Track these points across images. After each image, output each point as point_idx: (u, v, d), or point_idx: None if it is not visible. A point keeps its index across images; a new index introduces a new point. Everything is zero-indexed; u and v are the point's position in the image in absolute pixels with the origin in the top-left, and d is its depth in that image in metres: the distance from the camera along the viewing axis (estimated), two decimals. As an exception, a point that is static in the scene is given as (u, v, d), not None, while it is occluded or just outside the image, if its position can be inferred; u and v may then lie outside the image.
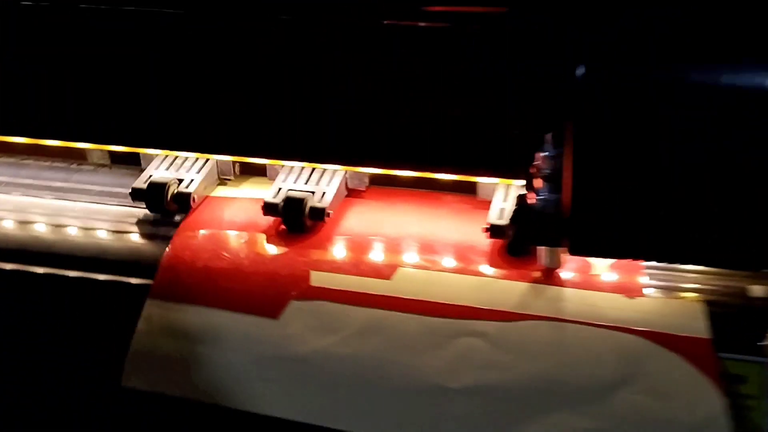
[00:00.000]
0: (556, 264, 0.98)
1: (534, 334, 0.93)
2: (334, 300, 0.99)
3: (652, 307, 0.94)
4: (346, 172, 1.13)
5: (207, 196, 1.15)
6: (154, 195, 1.11)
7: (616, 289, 0.96)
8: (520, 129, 0.96)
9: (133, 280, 1.06)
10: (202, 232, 1.09)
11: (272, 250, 1.06)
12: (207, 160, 1.17)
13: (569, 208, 0.86)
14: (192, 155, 1.16)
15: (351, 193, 1.15)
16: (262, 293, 1.01)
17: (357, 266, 1.02)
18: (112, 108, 1.11)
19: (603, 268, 0.99)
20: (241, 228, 1.09)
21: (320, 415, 0.95)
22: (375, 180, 1.15)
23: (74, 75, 1.09)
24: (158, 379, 0.99)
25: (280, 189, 1.10)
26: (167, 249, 1.06)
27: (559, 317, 0.94)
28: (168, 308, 1.01)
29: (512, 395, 0.91)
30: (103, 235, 1.12)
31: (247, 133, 1.09)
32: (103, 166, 1.25)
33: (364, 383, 0.95)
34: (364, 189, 1.14)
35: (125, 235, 1.12)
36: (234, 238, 1.08)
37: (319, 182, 1.11)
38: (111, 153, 1.23)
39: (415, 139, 1.04)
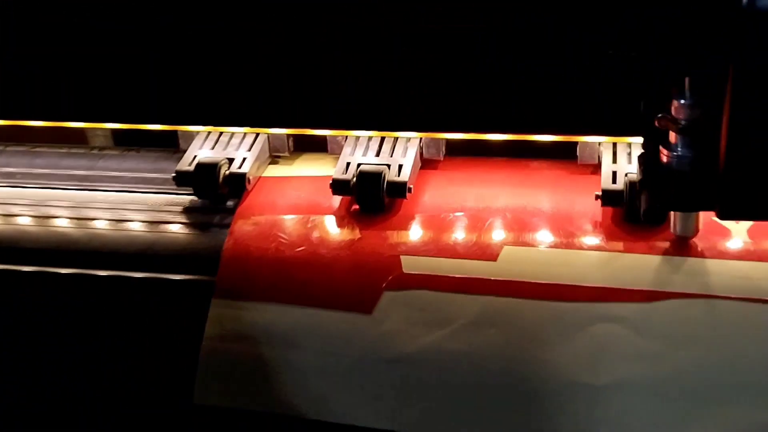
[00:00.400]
0: (691, 232, 0.84)
1: (683, 315, 0.79)
2: (435, 288, 0.85)
3: None
4: (421, 140, 0.98)
5: (260, 177, 1.00)
6: (203, 178, 0.96)
7: None
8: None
9: (188, 277, 0.91)
10: (263, 217, 0.94)
11: (350, 234, 0.91)
12: (257, 135, 1.01)
13: (722, 164, 0.73)
14: (240, 131, 1.01)
15: (426, 164, 1.00)
16: (349, 285, 0.86)
17: (454, 247, 0.88)
18: (144, 82, 0.95)
19: (741, 232, 0.85)
20: (307, 210, 0.94)
21: (431, 425, 0.82)
22: (451, 148, 1.01)
23: (96, 47, 0.94)
24: (236, 392, 0.85)
25: (348, 164, 0.96)
26: (227, 239, 0.91)
27: (710, 293, 0.80)
28: (239, 308, 0.87)
29: (671, 390, 0.77)
30: (145, 228, 0.96)
31: (308, 101, 0.94)
32: (130, 150, 1.09)
33: (485, 384, 0.81)
34: (441, 159, 1.00)
35: (171, 225, 0.96)
36: (302, 223, 0.93)
37: (392, 154, 0.97)
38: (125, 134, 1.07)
39: (504, 95, 0.90)
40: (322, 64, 0.91)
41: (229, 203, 0.97)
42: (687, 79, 0.76)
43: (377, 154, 0.97)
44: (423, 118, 0.94)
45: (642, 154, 0.83)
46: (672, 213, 0.84)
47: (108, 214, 0.99)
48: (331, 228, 0.92)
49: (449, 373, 0.82)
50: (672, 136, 0.78)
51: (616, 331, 0.80)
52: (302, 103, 0.95)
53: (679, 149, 0.78)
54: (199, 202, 0.98)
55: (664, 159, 0.79)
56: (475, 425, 0.81)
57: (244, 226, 0.92)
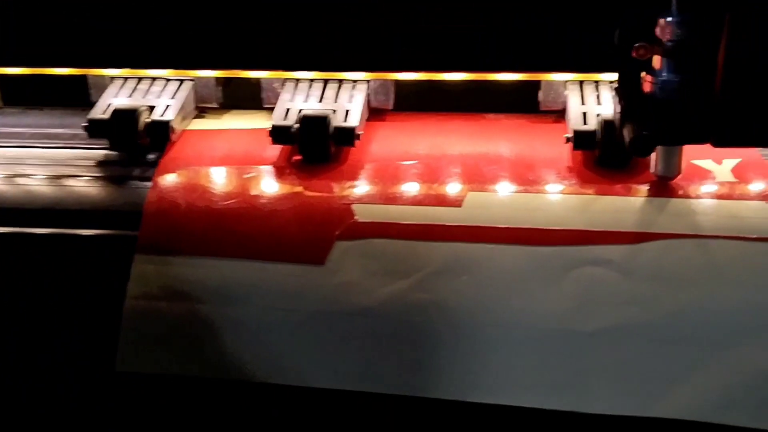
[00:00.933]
0: (673, 171, 0.76)
1: (673, 255, 0.71)
2: (394, 236, 0.75)
3: None
4: (369, 86, 0.88)
5: (185, 130, 0.88)
6: (120, 126, 0.84)
7: (757, 197, 0.75)
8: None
9: (102, 233, 0.78)
10: (191, 169, 0.82)
11: (293, 184, 0.80)
12: (181, 82, 0.90)
13: (719, 88, 0.67)
14: (161, 74, 0.89)
15: (374, 116, 0.90)
16: (295, 235, 0.76)
17: (413, 195, 0.78)
18: (46, 18, 0.83)
19: (725, 173, 0.78)
20: (242, 161, 0.83)
21: (400, 382, 0.71)
22: (402, 99, 0.91)
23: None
24: (167, 357, 0.73)
25: (288, 110, 0.85)
26: (149, 191, 0.79)
27: (698, 233, 0.72)
28: (167, 263, 0.75)
29: (666, 334, 0.69)
30: (49, 183, 0.83)
31: (238, 39, 0.84)
32: (32, 108, 0.95)
33: (457, 335, 0.71)
34: (390, 107, 0.90)
35: (80, 179, 0.83)
36: (237, 174, 0.81)
37: (336, 99, 0.86)
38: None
39: (460, 30, 0.82)
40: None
41: (151, 156, 0.85)
42: None
43: (320, 101, 0.86)
44: (370, 56, 0.84)
45: (619, 86, 0.75)
46: (654, 152, 0.76)
47: (4, 171, 0.85)
48: (271, 178, 0.81)
49: (416, 325, 0.72)
50: (656, 61, 0.71)
51: (603, 274, 0.71)
52: (232, 41, 0.84)
53: (664, 74, 0.71)
54: (115, 155, 0.85)
55: (648, 87, 0.72)
56: (450, 379, 0.71)
57: (170, 178, 0.80)
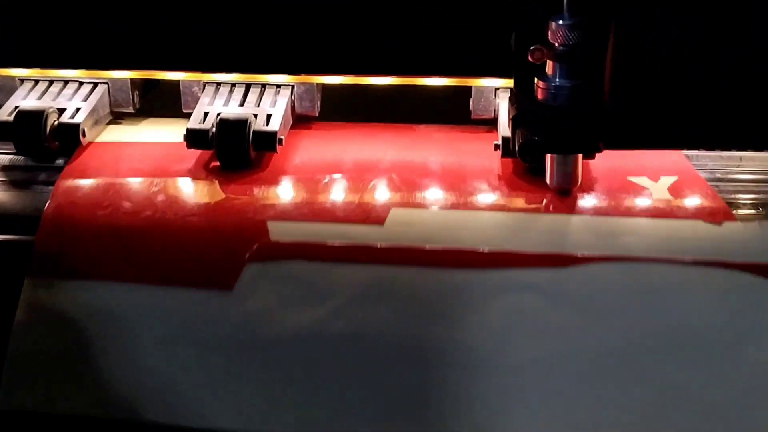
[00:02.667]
0: (570, 182, 0.73)
1: (602, 280, 0.67)
2: (310, 258, 0.70)
3: (751, 232, 0.70)
4: (293, 90, 0.84)
5: (92, 143, 0.82)
6: (25, 128, 0.79)
7: (692, 215, 0.72)
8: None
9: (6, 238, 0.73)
10: (97, 179, 0.76)
11: (206, 196, 0.75)
12: (95, 85, 0.85)
13: (607, 90, 0.65)
14: (72, 76, 0.84)
15: (299, 124, 0.86)
16: (204, 256, 0.70)
17: (332, 211, 0.73)
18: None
19: (662, 191, 0.74)
20: (153, 172, 0.77)
21: (312, 422, 0.67)
22: (327, 109, 0.87)
23: None
24: (54, 393, 0.68)
25: (207, 113, 0.80)
26: (47, 204, 0.73)
27: (632, 256, 0.69)
28: (59, 288, 0.69)
29: (596, 367, 0.65)
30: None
31: (154, 39, 0.80)
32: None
33: (375, 369, 0.67)
34: (315, 114, 0.86)
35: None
36: (146, 185, 0.76)
37: (258, 104, 0.82)
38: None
39: (387, 32, 0.78)
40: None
41: (60, 161, 0.80)
42: None
43: (241, 105, 0.82)
44: (293, 59, 0.80)
45: (516, 91, 0.72)
46: (549, 161, 0.73)
47: None
48: (183, 189, 0.76)
49: (331, 358, 0.67)
50: (549, 66, 0.68)
51: (529, 301, 0.67)
52: (147, 42, 0.80)
53: (557, 80, 0.68)
54: (21, 160, 0.80)
55: (540, 93, 0.69)
56: (366, 417, 0.66)
57: (70, 188, 0.75)
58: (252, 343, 0.68)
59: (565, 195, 0.73)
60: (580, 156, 0.71)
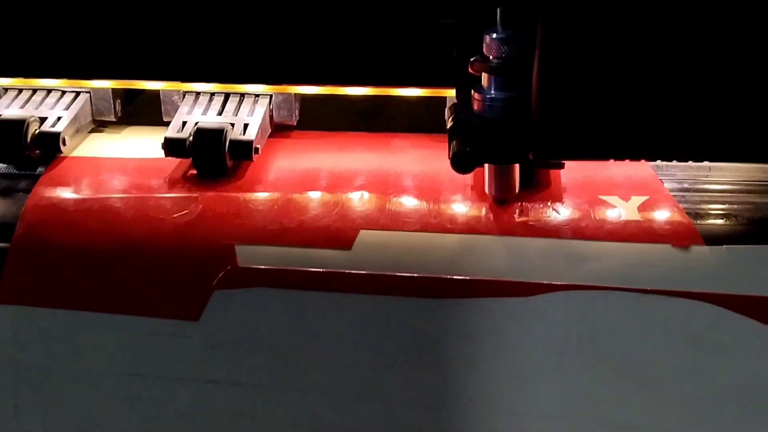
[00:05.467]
0: (507, 192, 0.74)
1: (569, 309, 0.68)
2: (276, 285, 0.69)
3: (719, 258, 0.69)
4: (271, 99, 0.85)
5: (67, 157, 0.83)
6: (7, 136, 0.80)
7: (662, 239, 0.71)
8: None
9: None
10: (66, 190, 0.77)
11: (173, 217, 0.73)
12: (77, 94, 0.86)
13: (535, 102, 0.65)
14: (54, 85, 0.86)
15: (277, 131, 0.88)
16: (169, 284, 0.69)
17: (301, 232, 0.72)
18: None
19: (632, 212, 0.73)
20: (127, 187, 0.77)
21: None
22: (305, 118, 0.88)
23: None
24: (15, 416, 0.68)
25: (185, 122, 0.82)
26: (17, 225, 0.73)
27: (599, 285, 0.68)
28: (23, 314, 0.69)
29: (564, 408, 0.67)
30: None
31: (133, 48, 0.81)
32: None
33: (346, 400, 0.67)
34: (293, 123, 0.87)
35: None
36: (117, 202, 0.75)
37: (236, 113, 0.84)
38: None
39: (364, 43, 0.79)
40: (151, 3, 0.78)
41: (41, 169, 0.81)
42: (498, 10, 0.68)
43: (219, 114, 0.83)
44: (271, 69, 0.81)
45: (457, 101, 0.74)
46: (487, 171, 0.74)
47: None
48: (149, 210, 0.74)
49: (297, 394, 0.67)
50: (484, 78, 0.70)
51: (498, 329, 0.68)
52: (129, 51, 0.81)
53: (492, 92, 0.69)
54: (2, 168, 0.82)
55: (476, 105, 0.70)
56: None
57: (41, 204, 0.75)
58: (217, 377, 0.68)
59: (503, 204, 0.74)
60: (517, 166, 0.72)
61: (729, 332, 0.66)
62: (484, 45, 0.68)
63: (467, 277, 0.69)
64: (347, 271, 0.69)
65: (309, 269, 0.69)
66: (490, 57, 0.68)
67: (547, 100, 0.64)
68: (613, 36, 0.62)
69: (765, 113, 0.64)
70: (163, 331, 0.68)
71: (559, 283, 0.69)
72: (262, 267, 0.70)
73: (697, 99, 0.63)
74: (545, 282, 0.69)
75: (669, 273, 0.68)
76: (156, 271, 0.70)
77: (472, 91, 0.70)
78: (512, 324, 0.68)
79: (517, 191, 0.74)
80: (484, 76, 0.69)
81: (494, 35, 0.68)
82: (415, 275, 0.69)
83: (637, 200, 0.75)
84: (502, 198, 0.74)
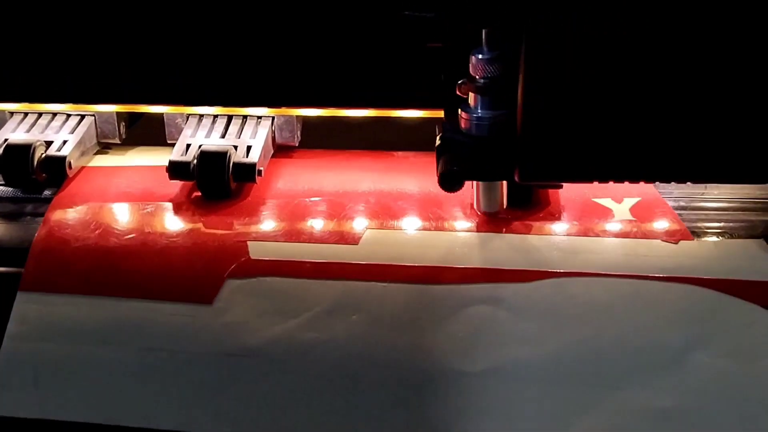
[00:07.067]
0: (495, 207, 0.76)
1: (564, 294, 0.70)
2: (286, 274, 0.73)
3: (708, 250, 0.73)
4: (273, 122, 0.87)
5: (84, 167, 0.86)
6: (14, 161, 0.81)
7: (654, 235, 0.74)
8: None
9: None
10: (85, 206, 0.80)
11: (189, 221, 0.78)
12: (82, 118, 0.88)
13: (520, 124, 0.66)
14: (60, 109, 0.87)
15: (279, 152, 0.89)
16: (186, 274, 0.73)
17: (311, 232, 0.76)
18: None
19: (624, 212, 0.77)
20: (138, 198, 0.81)
21: (286, 426, 0.69)
22: (307, 138, 0.90)
23: None
24: (42, 401, 0.70)
25: (189, 145, 0.83)
26: (39, 228, 0.77)
27: (592, 271, 0.71)
28: (50, 303, 0.72)
29: (554, 374, 0.68)
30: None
31: (139, 73, 0.82)
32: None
33: (347, 375, 0.69)
34: (296, 143, 0.88)
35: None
36: (131, 211, 0.79)
37: (239, 135, 0.85)
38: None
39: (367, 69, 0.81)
40: (155, 29, 0.79)
41: (47, 192, 0.82)
42: (484, 31, 0.69)
43: (222, 136, 0.85)
44: (273, 92, 0.83)
45: (441, 121, 0.76)
46: (474, 187, 0.76)
47: None
48: (164, 215, 0.79)
49: (303, 365, 0.70)
50: (471, 98, 0.71)
51: (493, 313, 0.70)
52: (133, 76, 0.82)
53: (479, 111, 0.71)
54: (9, 191, 0.83)
55: (463, 124, 0.72)
56: (340, 422, 0.69)
57: (62, 214, 0.78)
58: (228, 350, 0.71)
59: (491, 218, 0.76)
60: (504, 183, 0.74)
61: (721, 313, 0.69)
62: (470, 65, 0.70)
63: (466, 266, 0.72)
64: (354, 262, 0.73)
65: (317, 261, 0.73)
66: (476, 77, 0.70)
67: (531, 121, 0.65)
68: (596, 57, 0.63)
69: (744, 135, 0.65)
70: (175, 312, 0.72)
71: (555, 270, 0.71)
72: (271, 259, 0.73)
73: (679, 121, 0.65)
74: (542, 269, 0.71)
75: (660, 261, 0.71)
76: (175, 264, 0.74)
77: (459, 110, 0.71)
78: (509, 309, 0.70)
79: (504, 206, 0.76)
80: (471, 96, 0.71)
81: (480, 56, 0.69)
82: (417, 265, 0.72)
83: (630, 201, 0.78)
84: (489, 213, 0.76)
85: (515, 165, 0.68)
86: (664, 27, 0.62)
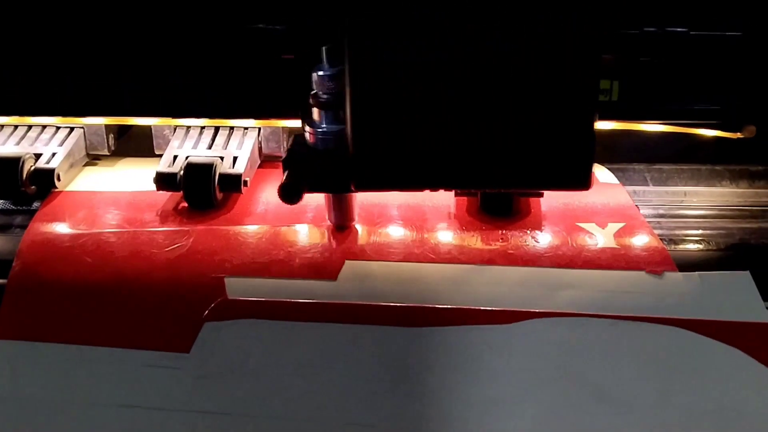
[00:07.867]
0: (346, 220, 0.77)
1: (546, 336, 0.70)
2: (264, 316, 0.71)
3: (692, 285, 0.71)
4: (259, 133, 0.88)
5: (62, 191, 0.85)
6: (3, 174, 0.82)
7: (637, 266, 0.73)
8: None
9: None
10: (61, 226, 0.79)
11: (169, 243, 0.76)
12: (71, 129, 0.89)
13: (350, 134, 0.68)
14: (49, 122, 0.88)
15: (266, 162, 0.90)
16: (160, 317, 0.71)
17: (289, 264, 0.74)
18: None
19: (608, 239, 0.76)
20: (120, 222, 0.80)
21: None
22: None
23: None
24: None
25: (176, 156, 0.84)
26: (14, 262, 0.74)
27: (576, 312, 0.70)
28: (18, 348, 0.71)
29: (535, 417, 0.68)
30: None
31: (127, 86, 0.83)
32: None
33: (333, 426, 0.69)
34: (282, 155, 0.89)
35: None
36: (109, 237, 0.77)
37: (226, 146, 0.86)
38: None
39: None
40: (143, 43, 0.81)
41: (36, 204, 0.84)
42: (324, 48, 0.71)
43: (209, 147, 0.86)
44: (259, 104, 0.84)
45: (295, 135, 0.77)
46: (326, 200, 0.77)
47: None
48: (148, 237, 0.77)
49: (287, 422, 0.69)
50: (315, 112, 0.72)
51: (478, 356, 0.70)
52: (121, 89, 0.84)
53: (323, 125, 0.72)
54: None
55: (309, 138, 0.73)
56: None
57: (36, 239, 0.77)
58: (206, 408, 0.69)
59: (342, 230, 0.77)
60: (354, 195, 0.76)
61: (702, 357, 0.69)
62: (312, 81, 0.71)
63: (448, 306, 0.71)
64: (333, 302, 0.72)
65: (295, 300, 0.72)
66: (319, 92, 0.71)
67: (358, 133, 0.67)
68: (412, 74, 0.65)
69: (545, 147, 0.67)
70: (155, 363, 0.70)
71: (536, 310, 0.71)
72: (249, 299, 0.72)
73: (487, 134, 0.66)
74: (523, 310, 0.71)
75: (643, 299, 0.70)
76: (148, 305, 0.72)
77: (306, 125, 0.73)
78: (491, 351, 0.70)
79: (355, 219, 0.77)
80: (314, 111, 0.72)
81: (320, 72, 0.71)
82: (397, 305, 0.71)
83: (614, 227, 0.77)
84: (341, 225, 0.78)
85: (349, 175, 0.69)
86: (470, 49, 0.64)
